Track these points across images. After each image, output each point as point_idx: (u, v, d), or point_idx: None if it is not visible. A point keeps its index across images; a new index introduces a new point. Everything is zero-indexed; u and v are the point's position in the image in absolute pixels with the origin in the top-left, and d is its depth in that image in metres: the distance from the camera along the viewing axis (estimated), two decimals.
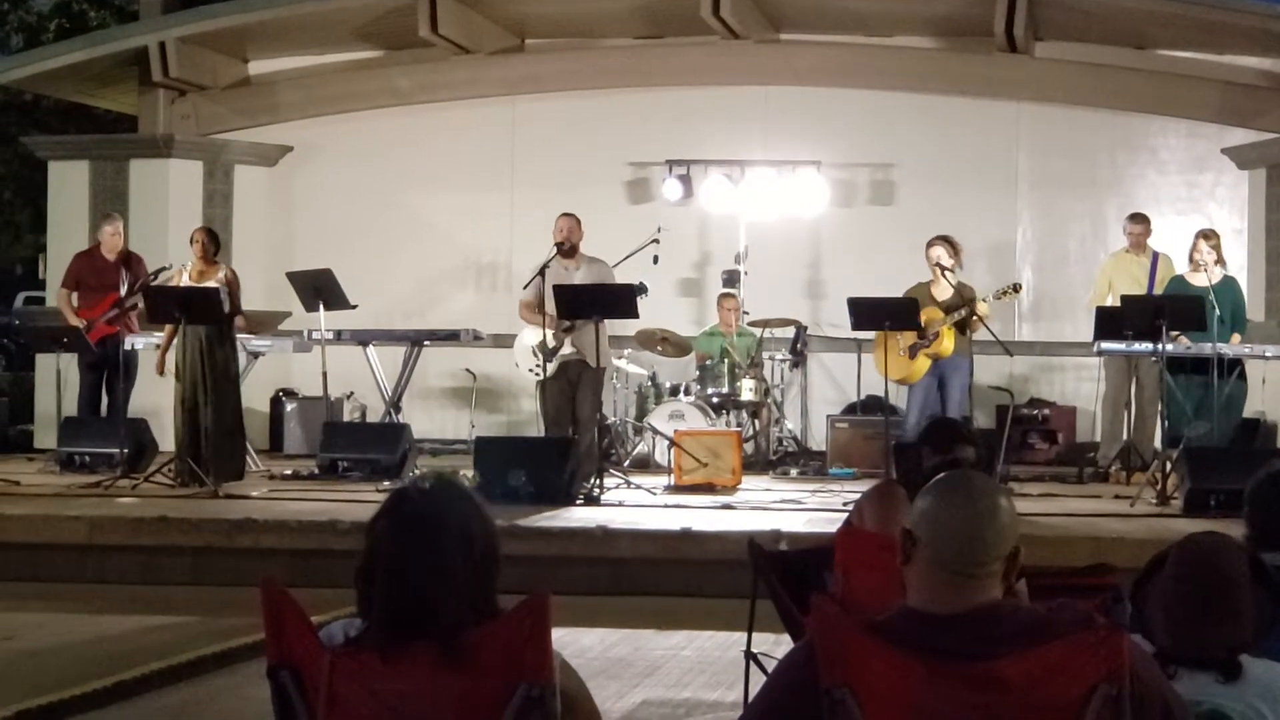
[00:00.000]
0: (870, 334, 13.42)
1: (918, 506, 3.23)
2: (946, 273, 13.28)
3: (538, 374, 13.20)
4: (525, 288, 13.25)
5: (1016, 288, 13.74)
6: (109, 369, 14.53)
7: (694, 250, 16.70)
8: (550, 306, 12.77)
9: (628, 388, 15.44)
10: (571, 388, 13.10)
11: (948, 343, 13.22)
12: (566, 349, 12.98)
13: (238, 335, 13.32)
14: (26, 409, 17.53)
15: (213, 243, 13.30)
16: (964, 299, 13.20)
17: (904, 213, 16.07)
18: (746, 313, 15.60)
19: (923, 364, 13.28)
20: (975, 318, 13.03)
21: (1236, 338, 13.34)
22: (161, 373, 13.45)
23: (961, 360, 13.27)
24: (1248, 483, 4.59)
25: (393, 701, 3.27)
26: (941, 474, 3.34)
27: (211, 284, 12.95)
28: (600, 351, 12.85)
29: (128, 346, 14.25)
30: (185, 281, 13.08)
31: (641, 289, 13.16)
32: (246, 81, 17.70)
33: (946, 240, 13.42)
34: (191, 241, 13.33)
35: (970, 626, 3.08)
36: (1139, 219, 14.47)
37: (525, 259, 13.80)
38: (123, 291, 14.49)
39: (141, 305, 13.85)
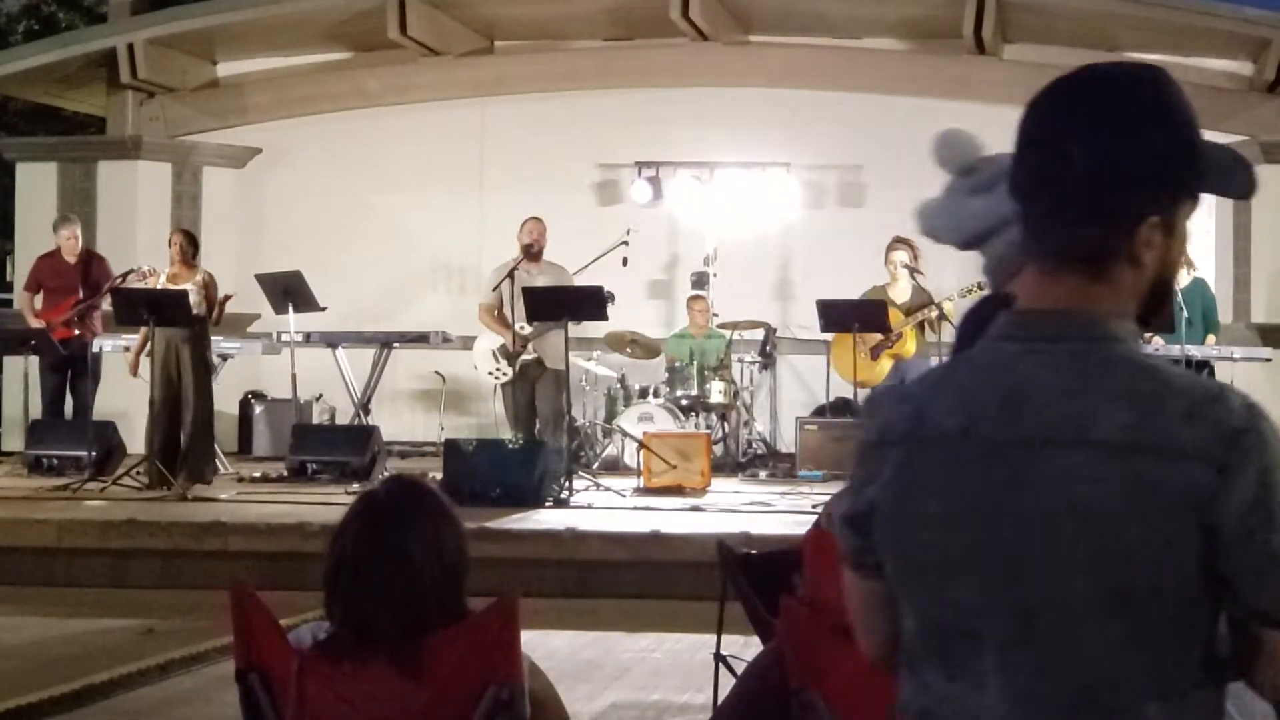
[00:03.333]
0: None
1: None
2: (916, 274, 13.32)
3: (497, 377, 13.18)
4: (494, 290, 13.14)
5: (980, 286, 13.71)
6: (73, 371, 14.48)
7: (663, 252, 16.70)
8: (511, 310, 12.76)
9: (596, 390, 15.42)
10: (531, 389, 13.08)
11: (910, 344, 13.28)
12: (527, 353, 12.95)
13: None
14: None
15: (191, 246, 13.26)
16: (922, 301, 13.28)
17: (873, 214, 16.03)
18: (716, 314, 15.59)
19: (885, 365, 13.33)
20: (940, 318, 13.10)
21: (1212, 339, 13.38)
22: (135, 374, 13.38)
23: (923, 362, 13.34)
24: None
25: (361, 704, 3.27)
26: None
27: (187, 287, 12.90)
28: (559, 354, 12.73)
29: (95, 349, 14.19)
30: (161, 283, 13.04)
31: (609, 298, 13.15)
32: (215, 83, 17.66)
33: (906, 242, 13.47)
34: (169, 244, 13.31)
35: None
36: None
37: (494, 261, 13.74)
38: (82, 293, 14.43)
39: (108, 306, 13.79)
